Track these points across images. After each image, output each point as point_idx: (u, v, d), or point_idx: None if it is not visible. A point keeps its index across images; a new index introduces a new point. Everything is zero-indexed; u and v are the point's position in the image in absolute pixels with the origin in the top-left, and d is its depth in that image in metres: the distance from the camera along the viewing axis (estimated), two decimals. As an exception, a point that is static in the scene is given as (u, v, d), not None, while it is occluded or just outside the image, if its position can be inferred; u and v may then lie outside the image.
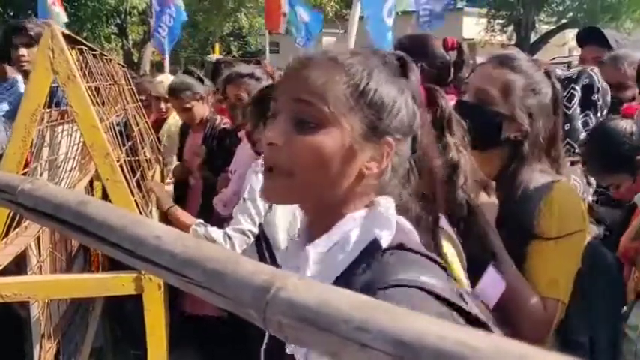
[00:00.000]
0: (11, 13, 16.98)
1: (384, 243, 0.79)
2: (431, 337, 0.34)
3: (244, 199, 2.17)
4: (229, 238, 2.15)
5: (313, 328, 0.39)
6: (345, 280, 0.78)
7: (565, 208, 1.38)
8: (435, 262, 0.81)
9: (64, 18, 3.95)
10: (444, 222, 0.99)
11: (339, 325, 0.38)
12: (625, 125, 1.74)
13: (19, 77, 3.18)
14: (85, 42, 1.55)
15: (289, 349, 0.82)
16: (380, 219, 0.82)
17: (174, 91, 3.27)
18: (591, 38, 2.97)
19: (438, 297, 0.72)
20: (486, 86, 1.43)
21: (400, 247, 0.79)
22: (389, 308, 0.38)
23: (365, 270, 0.78)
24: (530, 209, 1.38)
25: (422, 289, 0.72)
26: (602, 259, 1.59)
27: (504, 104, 1.42)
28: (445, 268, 0.83)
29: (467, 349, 0.33)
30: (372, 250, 0.79)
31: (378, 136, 0.82)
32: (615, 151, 1.72)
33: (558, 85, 1.51)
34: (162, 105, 3.84)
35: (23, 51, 2.87)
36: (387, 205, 0.84)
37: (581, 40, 3.11)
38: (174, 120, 3.87)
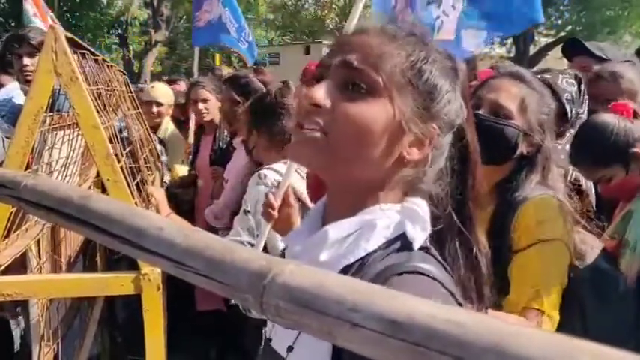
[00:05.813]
0: (13, 24, 17.07)
1: (417, 244, 0.74)
2: (420, 315, 0.36)
3: (246, 212, 2.12)
4: None
5: (309, 310, 0.41)
6: (360, 266, 0.74)
7: (535, 218, 1.39)
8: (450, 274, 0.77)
9: (45, 29, 4.07)
10: None
11: (332, 307, 0.39)
12: (616, 119, 1.74)
13: (16, 85, 3.20)
14: (87, 47, 1.57)
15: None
16: (414, 216, 0.76)
17: (197, 82, 3.64)
18: (577, 50, 3.06)
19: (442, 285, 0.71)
20: (504, 101, 1.44)
21: (427, 250, 0.76)
22: (380, 291, 0.39)
23: (384, 259, 0.73)
24: (508, 224, 1.40)
25: (432, 278, 0.71)
26: (612, 286, 1.51)
27: (521, 119, 1.44)
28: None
29: (454, 325, 0.35)
30: (399, 244, 0.75)
31: (425, 120, 0.77)
32: (609, 143, 1.68)
33: (565, 99, 1.59)
34: (155, 109, 3.88)
35: (27, 60, 2.85)
36: (421, 205, 0.79)
37: (567, 53, 3.20)
38: (168, 124, 3.94)
